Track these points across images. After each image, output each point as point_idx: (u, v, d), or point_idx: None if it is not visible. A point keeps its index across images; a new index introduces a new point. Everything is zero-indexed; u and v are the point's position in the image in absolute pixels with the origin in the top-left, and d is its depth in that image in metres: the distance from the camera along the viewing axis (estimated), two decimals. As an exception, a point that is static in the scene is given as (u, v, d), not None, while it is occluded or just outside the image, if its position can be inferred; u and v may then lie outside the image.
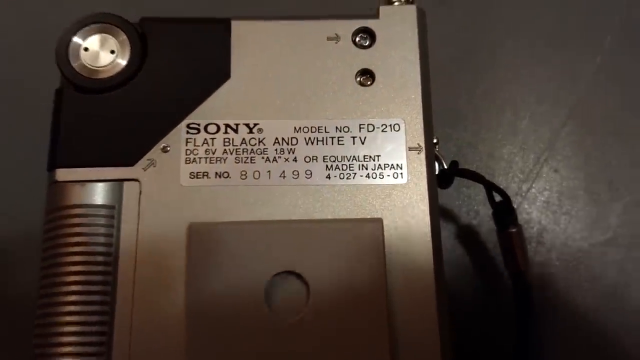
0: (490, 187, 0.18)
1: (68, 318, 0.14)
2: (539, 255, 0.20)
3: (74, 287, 0.14)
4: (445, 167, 0.17)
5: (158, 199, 0.15)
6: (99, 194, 0.15)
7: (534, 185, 0.21)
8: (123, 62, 0.16)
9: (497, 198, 0.18)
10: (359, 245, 0.14)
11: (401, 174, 0.15)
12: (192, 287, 0.14)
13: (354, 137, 0.16)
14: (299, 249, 0.14)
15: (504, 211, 0.18)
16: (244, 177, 0.15)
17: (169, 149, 0.15)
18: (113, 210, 0.15)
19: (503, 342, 0.18)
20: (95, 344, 0.14)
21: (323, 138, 0.15)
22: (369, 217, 0.15)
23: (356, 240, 0.14)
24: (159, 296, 0.14)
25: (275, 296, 0.14)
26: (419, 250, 0.15)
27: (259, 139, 0.15)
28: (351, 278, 0.14)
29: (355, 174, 0.15)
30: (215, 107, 0.16)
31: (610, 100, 0.22)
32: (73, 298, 0.14)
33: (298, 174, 0.15)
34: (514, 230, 0.17)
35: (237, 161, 0.15)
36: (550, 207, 0.20)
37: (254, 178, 0.15)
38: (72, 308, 0.14)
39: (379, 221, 0.15)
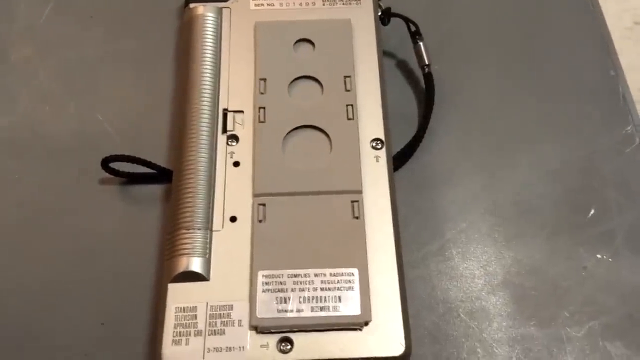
0: (407, 21, 0.33)
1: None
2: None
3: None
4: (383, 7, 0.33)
5: (239, 13, 0.31)
6: (212, 11, 0.31)
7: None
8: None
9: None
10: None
11: None
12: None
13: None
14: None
15: (416, 33, 0.33)
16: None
17: (243, -5, 0.31)
18: (220, 16, 0.31)
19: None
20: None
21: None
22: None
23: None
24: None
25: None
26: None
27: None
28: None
29: None
30: None
31: None
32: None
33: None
34: (420, 42, 0.33)
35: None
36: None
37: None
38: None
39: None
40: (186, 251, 0.25)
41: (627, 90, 0.33)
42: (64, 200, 0.30)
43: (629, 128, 0.32)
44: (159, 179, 0.30)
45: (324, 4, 0.31)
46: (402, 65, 0.35)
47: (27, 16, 0.37)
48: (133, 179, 0.30)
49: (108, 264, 0.29)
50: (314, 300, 0.24)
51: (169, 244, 0.26)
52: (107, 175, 0.30)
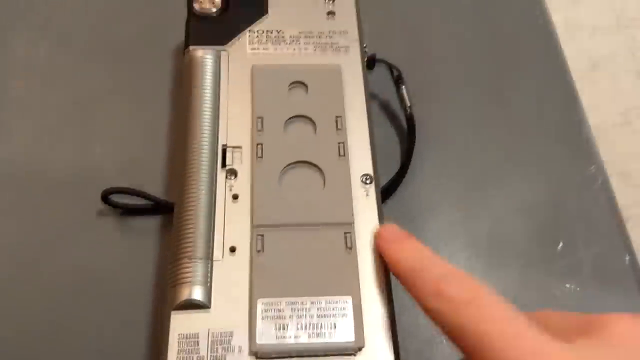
0: (390, 67, 0.36)
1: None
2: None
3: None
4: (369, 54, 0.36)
5: (237, 57, 0.33)
6: (210, 54, 0.32)
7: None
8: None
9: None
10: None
11: None
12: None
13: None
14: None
15: (399, 78, 0.36)
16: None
17: (240, 38, 0.33)
18: (219, 59, 0.32)
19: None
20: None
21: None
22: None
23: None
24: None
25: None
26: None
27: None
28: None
29: None
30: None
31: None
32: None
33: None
34: (403, 87, 0.36)
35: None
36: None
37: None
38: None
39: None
40: (188, 280, 0.26)
41: (590, 133, 0.37)
42: (62, 232, 0.31)
43: (592, 168, 0.35)
44: (156, 211, 0.32)
45: (315, 51, 0.34)
46: (386, 107, 0.37)
47: (26, 51, 0.38)
48: (131, 210, 0.32)
49: (107, 293, 0.29)
50: (311, 327, 0.25)
51: (172, 273, 0.27)
52: (105, 207, 0.31)
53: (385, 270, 0.28)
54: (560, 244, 0.33)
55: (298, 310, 0.26)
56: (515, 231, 0.33)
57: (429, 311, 0.24)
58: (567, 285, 0.31)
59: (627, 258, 0.32)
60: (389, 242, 0.27)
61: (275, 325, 0.25)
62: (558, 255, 0.32)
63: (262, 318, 0.26)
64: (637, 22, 1.20)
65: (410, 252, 0.26)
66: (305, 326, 0.25)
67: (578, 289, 0.31)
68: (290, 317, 0.26)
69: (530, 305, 0.31)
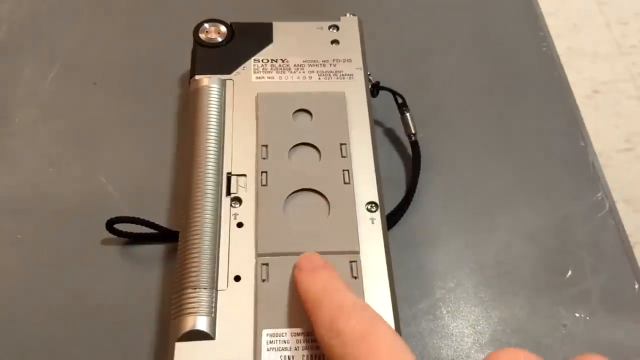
0: (394, 94, 0.36)
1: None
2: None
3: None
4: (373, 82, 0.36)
5: (242, 85, 0.33)
6: (216, 82, 0.33)
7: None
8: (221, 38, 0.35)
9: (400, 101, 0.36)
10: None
11: None
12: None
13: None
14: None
15: (403, 105, 0.36)
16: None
17: (245, 67, 0.33)
18: (224, 87, 0.32)
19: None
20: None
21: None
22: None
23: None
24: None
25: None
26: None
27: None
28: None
29: None
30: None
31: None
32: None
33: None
34: (407, 113, 0.36)
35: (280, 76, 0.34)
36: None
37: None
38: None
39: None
40: (192, 310, 0.26)
41: (595, 159, 0.36)
42: (67, 260, 0.31)
43: (599, 195, 0.35)
44: (161, 239, 0.31)
45: (319, 78, 0.34)
46: (391, 134, 0.37)
47: (31, 81, 0.38)
48: (135, 239, 0.31)
49: (110, 322, 0.29)
50: (316, 359, 0.25)
51: (176, 303, 0.26)
52: (109, 235, 0.31)
53: (392, 300, 0.27)
54: (569, 272, 0.32)
55: (303, 342, 0.25)
56: (523, 259, 0.33)
57: (324, 347, 0.22)
58: (577, 315, 0.31)
59: (637, 285, 0.32)
60: (303, 272, 0.26)
61: (281, 356, 0.25)
62: (567, 284, 0.32)
63: (267, 349, 0.25)
64: (638, 49, 1.21)
65: (318, 282, 0.25)
66: (311, 357, 0.25)
67: (588, 317, 0.31)
68: (295, 348, 0.25)
69: (541, 335, 0.31)
